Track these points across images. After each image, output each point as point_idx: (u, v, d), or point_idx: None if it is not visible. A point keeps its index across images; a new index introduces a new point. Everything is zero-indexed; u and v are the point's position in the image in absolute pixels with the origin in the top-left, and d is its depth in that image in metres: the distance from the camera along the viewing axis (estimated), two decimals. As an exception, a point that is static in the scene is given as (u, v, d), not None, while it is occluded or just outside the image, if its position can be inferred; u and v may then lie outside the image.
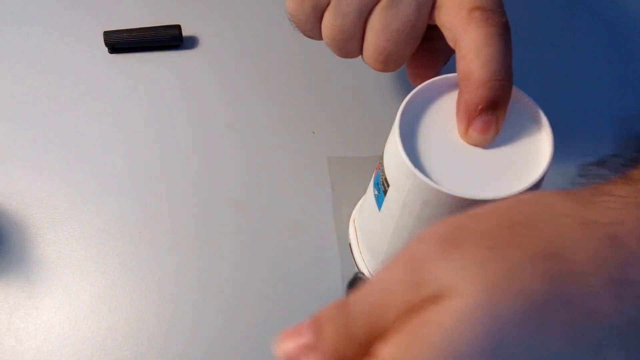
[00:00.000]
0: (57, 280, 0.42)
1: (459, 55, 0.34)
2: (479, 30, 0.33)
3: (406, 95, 0.34)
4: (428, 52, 0.39)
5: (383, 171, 0.35)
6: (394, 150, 0.33)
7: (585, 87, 0.51)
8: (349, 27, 0.37)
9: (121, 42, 0.51)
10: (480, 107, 0.32)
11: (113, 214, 0.44)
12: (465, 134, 0.33)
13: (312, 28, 0.39)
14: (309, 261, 0.43)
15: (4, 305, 0.41)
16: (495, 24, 0.33)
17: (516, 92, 0.34)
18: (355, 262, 0.43)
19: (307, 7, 0.37)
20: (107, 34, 0.50)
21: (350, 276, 0.41)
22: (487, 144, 0.33)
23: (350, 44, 0.38)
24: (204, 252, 0.43)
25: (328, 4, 0.37)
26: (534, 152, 0.33)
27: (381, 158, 0.36)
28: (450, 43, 0.35)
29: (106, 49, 0.51)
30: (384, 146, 0.36)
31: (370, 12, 0.36)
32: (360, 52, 0.39)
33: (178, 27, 0.51)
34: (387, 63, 0.38)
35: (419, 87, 0.34)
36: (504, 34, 0.33)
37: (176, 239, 0.44)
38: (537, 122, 0.34)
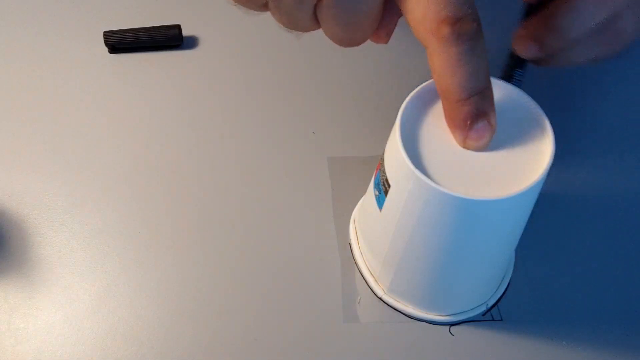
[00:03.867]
0: (57, 280, 0.42)
1: (433, 70, 0.32)
2: (450, 50, 0.31)
3: (406, 96, 0.34)
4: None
5: (384, 172, 0.35)
6: (394, 151, 0.33)
7: (586, 87, 0.51)
8: (297, 21, 0.35)
9: (121, 42, 0.51)
10: (468, 122, 0.32)
11: (113, 214, 0.44)
12: (463, 144, 0.33)
13: (262, 13, 0.37)
14: (309, 261, 0.43)
15: (4, 305, 0.41)
16: (467, 37, 0.31)
17: (517, 93, 0.35)
18: (356, 262, 0.43)
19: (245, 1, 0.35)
20: (107, 34, 0.50)
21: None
22: (488, 146, 0.33)
23: (308, 30, 0.36)
24: (204, 253, 0.43)
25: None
26: (535, 152, 0.33)
27: (382, 158, 0.36)
28: (421, 42, 0.33)
29: (106, 49, 0.51)
30: (384, 146, 0.36)
31: (316, 4, 0.33)
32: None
33: (178, 27, 0.51)
34: (350, 44, 0.36)
35: (419, 87, 0.34)
36: (477, 45, 0.31)
37: (176, 239, 0.44)
38: (538, 123, 0.34)
